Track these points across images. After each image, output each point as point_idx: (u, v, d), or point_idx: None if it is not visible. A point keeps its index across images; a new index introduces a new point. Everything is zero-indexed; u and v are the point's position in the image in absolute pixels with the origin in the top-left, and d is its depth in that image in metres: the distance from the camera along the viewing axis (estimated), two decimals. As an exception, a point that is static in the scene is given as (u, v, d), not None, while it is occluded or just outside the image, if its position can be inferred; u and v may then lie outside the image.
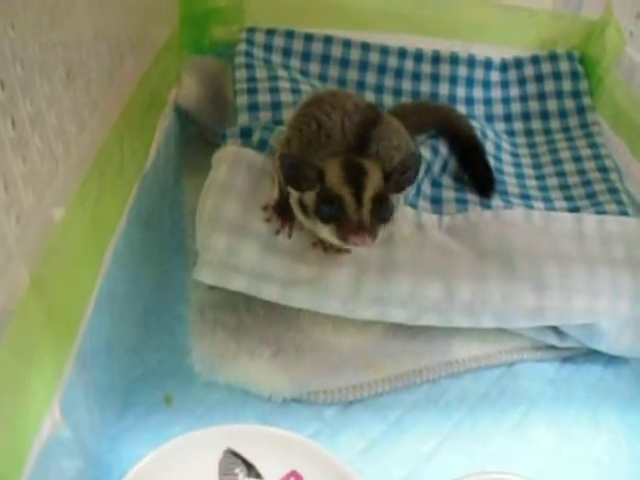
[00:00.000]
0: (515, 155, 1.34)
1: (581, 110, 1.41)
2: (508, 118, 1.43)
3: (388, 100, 1.39)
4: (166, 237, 1.14)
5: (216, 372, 0.94)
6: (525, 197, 1.21)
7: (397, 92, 1.41)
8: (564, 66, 1.43)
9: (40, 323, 0.66)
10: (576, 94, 1.42)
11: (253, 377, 0.94)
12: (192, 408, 0.90)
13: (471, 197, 1.16)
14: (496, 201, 1.15)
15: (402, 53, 1.43)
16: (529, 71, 1.44)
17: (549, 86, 1.43)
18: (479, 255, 1.03)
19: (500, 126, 1.42)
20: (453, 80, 1.43)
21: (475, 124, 1.32)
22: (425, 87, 1.42)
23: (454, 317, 0.98)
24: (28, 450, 0.63)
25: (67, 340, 0.73)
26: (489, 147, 1.28)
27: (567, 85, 1.42)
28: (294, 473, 0.78)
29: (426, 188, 1.16)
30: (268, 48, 1.39)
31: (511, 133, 1.41)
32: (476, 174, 1.20)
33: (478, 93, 1.44)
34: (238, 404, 0.92)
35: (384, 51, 1.42)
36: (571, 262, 1.02)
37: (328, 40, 1.41)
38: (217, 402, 0.92)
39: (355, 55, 1.41)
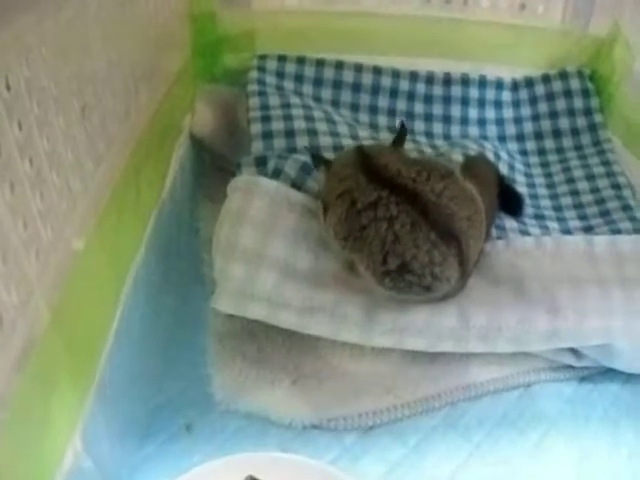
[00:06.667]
0: (528, 175, 1.35)
1: (593, 128, 1.41)
2: (520, 138, 1.44)
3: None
4: (184, 266, 1.14)
5: (236, 400, 0.94)
6: (539, 217, 1.21)
7: (409, 115, 1.42)
8: (574, 84, 1.43)
9: (61, 355, 0.66)
10: (587, 112, 1.42)
11: (273, 405, 0.93)
12: (213, 437, 0.90)
13: None
14: (511, 223, 1.16)
15: (414, 76, 1.44)
16: (540, 90, 1.45)
17: (560, 104, 1.43)
18: (492, 282, 1.04)
19: (513, 146, 1.42)
20: (465, 101, 1.44)
21: (488, 145, 1.33)
22: (437, 109, 1.43)
23: (470, 343, 0.98)
24: (51, 482, 0.63)
25: (88, 371, 0.74)
26: (502, 168, 1.29)
27: (578, 103, 1.43)
28: (315, 499, 0.78)
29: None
30: (280, 75, 1.40)
31: (524, 153, 1.42)
32: (505, 199, 1.21)
33: (490, 114, 1.45)
34: (258, 432, 0.91)
35: (395, 74, 1.43)
36: (584, 284, 1.03)
37: (339, 65, 1.42)
38: (237, 430, 0.91)
39: (367, 79, 1.42)
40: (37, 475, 0.61)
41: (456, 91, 1.44)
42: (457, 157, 1.25)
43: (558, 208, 1.27)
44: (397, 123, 1.15)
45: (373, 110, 1.41)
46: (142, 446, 0.89)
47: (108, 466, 0.77)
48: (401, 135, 1.09)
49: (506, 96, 1.46)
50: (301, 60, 1.41)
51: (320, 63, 1.42)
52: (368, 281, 0.98)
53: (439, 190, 0.94)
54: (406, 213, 0.92)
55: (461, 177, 1.00)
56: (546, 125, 1.43)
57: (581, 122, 1.42)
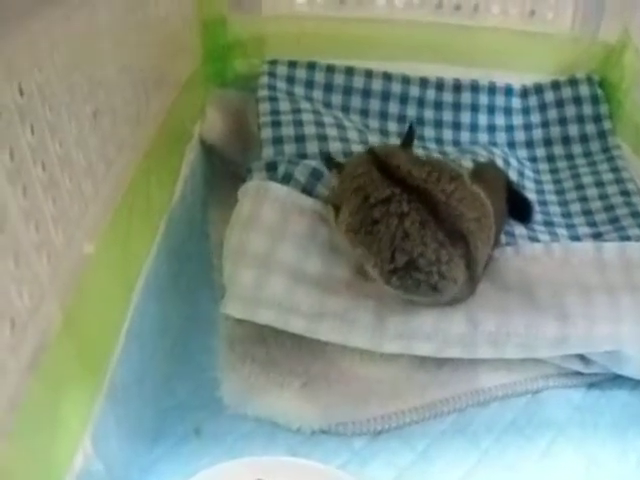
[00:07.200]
0: (538, 182, 1.35)
1: (602, 134, 1.41)
2: (530, 144, 1.44)
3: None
4: (194, 270, 1.14)
5: (245, 404, 0.94)
6: (548, 224, 1.21)
7: (419, 121, 1.42)
8: (584, 90, 1.43)
9: (72, 357, 0.67)
10: (597, 118, 1.42)
11: (282, 409, 0.93)
12: (222, 440, 0.90)
13: None
14: (520, 229, 1.16)
15: (423, 82, 1.44)
16: (549, 97, 1.45)
17: (570, 111, 1.43)
18: (501, 288, 1.04)
19: (522, 153, 1.42)
20: (474, 108, 1.44)
21: (497, 152, 1.33)
22: (447, 116, 1.43)
23: (478, 349, 0.98)
24: (61, 484, 0.63)
25: (98, 374, 0.74)
26: (512, 175, 1.29)
27: (587, 109, 1.42)
28: (324, 503, 0.78)
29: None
30: (290, 80, 1.41)
31: (533, 159, 1.42)
32: (514, 206, 1.20)
33: (500, 120, 1.45)
34: (267, 436, 0.91)
35: (406, 81, 1.43)
36: (593, 290, 1.03)
37: (350, 71, 1.42)
38: (246, 434, 0.91)
39: (377, 85, 1.42)
40: (47, 478, 0.62)
41: (466, 98, 1.44)
42: (467, 164, 1.25)
43: (567, 215, 1.27)
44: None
45: (383, 116, 1.42)
46: (151, 448, 0.89)
47: (118, 468, 0.77)
48: (410, 136, 1.10)
49: (516, 103, 1.46)
50: (311, 66, 1.42)
51: (330, 69, 1.42)
52: (377, 282, 0.99)
53: (449, 191, 0.96)
54: (416, 211, 0.93)
55: (469, 181, 1.00)
56: (555, 132, 1.43)
57: (590, 129, 1.42)
